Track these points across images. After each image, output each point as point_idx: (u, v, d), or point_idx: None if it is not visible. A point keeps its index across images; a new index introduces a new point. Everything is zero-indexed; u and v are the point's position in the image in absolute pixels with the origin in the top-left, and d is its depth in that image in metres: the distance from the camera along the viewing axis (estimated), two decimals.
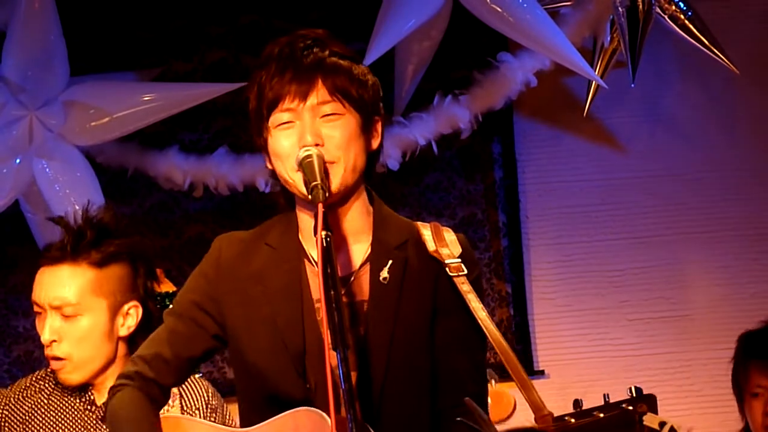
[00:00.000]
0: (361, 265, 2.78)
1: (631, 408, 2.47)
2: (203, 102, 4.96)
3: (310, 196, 2.65)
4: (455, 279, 2.76)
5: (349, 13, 5.27)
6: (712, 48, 5.14)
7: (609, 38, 5.13)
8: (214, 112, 5.27)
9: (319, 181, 2.64)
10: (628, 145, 5.51)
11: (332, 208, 2.73)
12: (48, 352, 3.43)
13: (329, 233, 2.59)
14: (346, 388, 2.49)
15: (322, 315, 2.55)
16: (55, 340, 3.40)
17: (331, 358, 2.67)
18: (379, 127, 2.81)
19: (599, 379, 5.35)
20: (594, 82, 5.16)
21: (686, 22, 5.12)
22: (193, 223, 5.26)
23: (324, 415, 2.61)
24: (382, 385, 2.71)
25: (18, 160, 4.86)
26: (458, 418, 2.59)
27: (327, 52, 2.76)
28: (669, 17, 5.10)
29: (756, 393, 4.08)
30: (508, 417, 3.48)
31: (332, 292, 2.54)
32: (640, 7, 4.98)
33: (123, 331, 3.44)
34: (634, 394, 2.50)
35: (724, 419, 4.87)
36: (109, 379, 3.38)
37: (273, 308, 2.75)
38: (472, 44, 5.33)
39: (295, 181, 2.72)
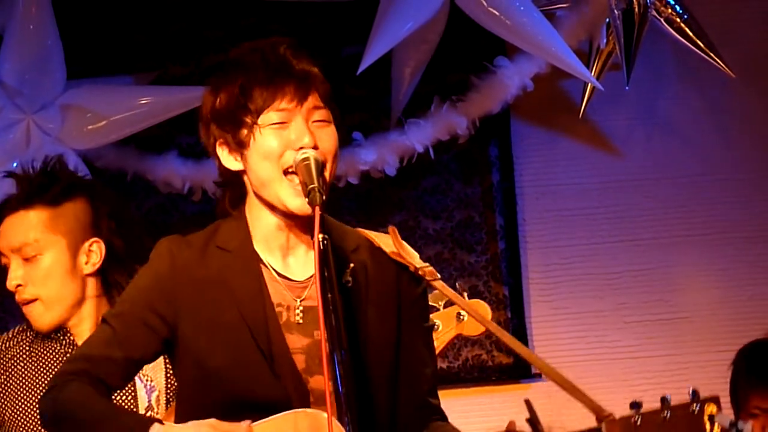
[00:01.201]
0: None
1: (698, 408, 2.47)
2: (200, 105, 4.95)
3: (306, 199, 2.63)
4: (433, 283, 2.75)
5: (346, 16, 5.28)
6: (708, 51, 5.14)
7: (605, 40, 5.13)
8: None
9: (316, 185, 2.63)
10: (625, 148, 5.51)
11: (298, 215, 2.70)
12: (17, 298, 3.51)
13: (326, 236, 2.59)
14: (344, 392, 2.49)
15: (320, 317, 2.54)
16: (20, 285, 3.48)
17: (300, 362, 2.68)
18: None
19: (597, 382, 5.34)
20: (589, 85, 5.17)
21: (682, 25, 5.12)
22: (191, 226, 5.23)
23: (331, 416, 2.59)
24: (354, 387, 2.65)
25: (15, 164, 4.86)
26: (527, 419, 2.59)
27: (308, 61, 2.76)
28: (665, 20, 5.10)
29: (754, 414, 4.06)
30: (485, 331, 3.52)
31: (329, 296, 2.53)
32: (636, 9, 4.99)
33: (87, 269, 3.49)
34: (693, 396, 2.50)
35: None
36: (85, 320, 3.47)
37: (238, 312, 2.71)
38: (469, 47, 5.33)
39: (277, 183, 2.69)
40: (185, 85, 5.26)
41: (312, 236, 2.63)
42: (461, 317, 3.62)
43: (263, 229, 2.76)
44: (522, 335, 5.34)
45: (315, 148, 2.69)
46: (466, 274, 5.36)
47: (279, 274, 2.75)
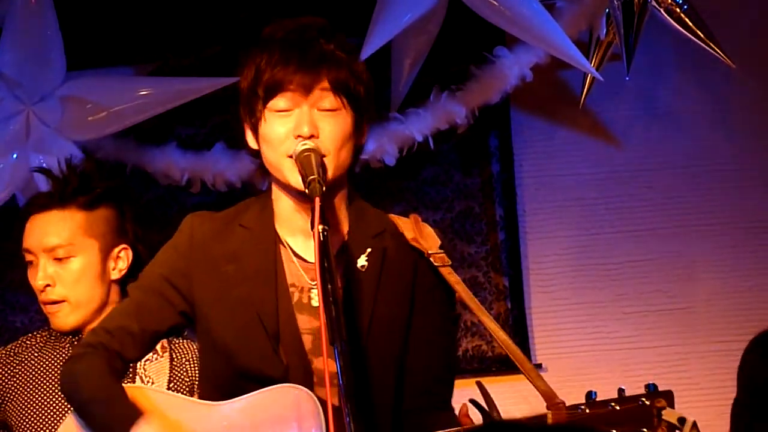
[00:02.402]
0: (338, 254, 2.78)
1: (648, 402, 2.47)
2: (200, 96, 4.96)
3: (307, 190, 2.65)
4: (441, 270, 2.78)
5: (345, 7, 5.27)
6: (708, 41, 5.14)
7: (605, 31, 5.12)
8: (212, 107, 5.27)
9: (316, 176, 2.65)
10: (624, 138, 5.51)
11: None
12: (43, 297, 3.50)
13: (326, 227, 2.60)
14: (343, 382, 2.50)
15: (320, 308, 2.55)
16: (49, 285, 3.47)
17: (308, 342, 2.72)
18: (367, 126, 2.82)
19: (597, 373, 5.35)
20: (589, 75, 5.16)
21: (682, 15, 5.12)
22: None
23: (310, 393, 2.64)
24: (358, 372, 2.71)
25: (15, 156, 4.87)
26: (469, 399, 2.60)
27: (332, 45, 2.78)
28: (664, 10, 5.10)
29: None
30: None
31: (329, 286, 2.54)
32: (636, 0, 4.98)
33: (115, 275, 3.51)
34: (650, 390, 2.50)
35: (722, 412, 4.87)
36: None
37: (248, 288, 2.76)
38: (468, 38, 5.32)
39: (283, 167, 2.72)
40: (185, 76, 5.26)
41: (330, 219, 2.68)
42: None
43: (283, 210, 2.80)
44: (522, 326, 5.35)
45: (312, 137, 2.70)
46: (466, 265, 5.36)
47: (296, 255, 2.78)
